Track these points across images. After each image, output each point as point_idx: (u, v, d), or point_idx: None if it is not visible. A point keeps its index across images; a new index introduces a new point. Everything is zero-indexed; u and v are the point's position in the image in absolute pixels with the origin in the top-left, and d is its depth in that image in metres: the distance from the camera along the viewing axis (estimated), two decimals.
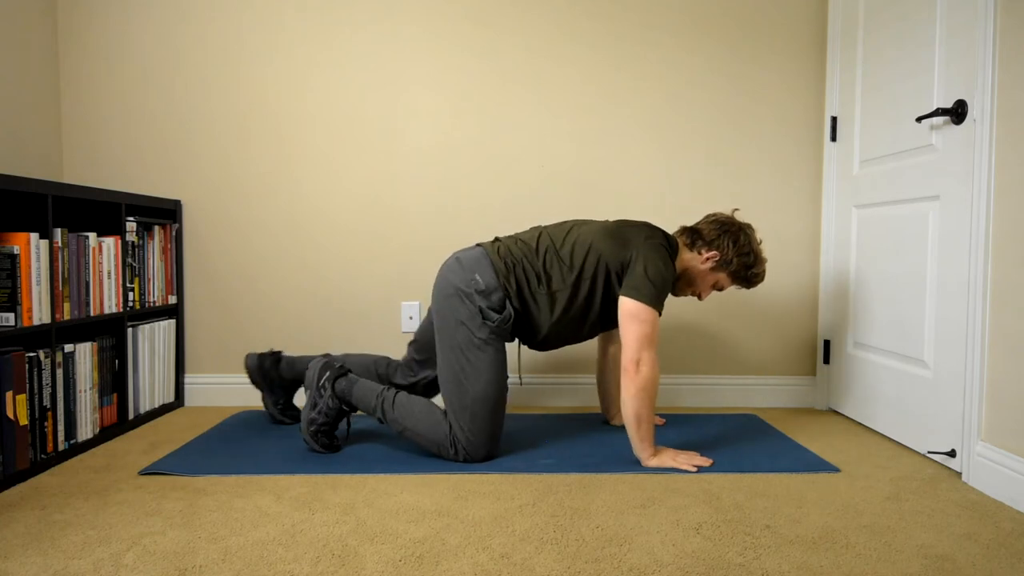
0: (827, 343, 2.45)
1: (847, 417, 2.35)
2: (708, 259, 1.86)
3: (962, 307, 1.73)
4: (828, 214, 2.43)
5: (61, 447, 1.83)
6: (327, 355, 2.00)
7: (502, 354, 1.81)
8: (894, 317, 2.04)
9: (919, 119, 1.84)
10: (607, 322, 1.90)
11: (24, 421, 1.67)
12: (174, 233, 2.41)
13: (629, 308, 1.73)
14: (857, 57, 2.26)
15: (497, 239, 1.91)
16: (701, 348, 2.52)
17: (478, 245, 1.89)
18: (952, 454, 1.77)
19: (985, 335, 1.64)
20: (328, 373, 1.88)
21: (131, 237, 2.16)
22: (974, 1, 1.70)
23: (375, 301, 2.48)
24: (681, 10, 2.45)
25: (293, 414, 2.21)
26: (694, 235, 1.89)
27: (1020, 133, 1.54)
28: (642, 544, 1.33)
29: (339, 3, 2.43)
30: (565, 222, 1.93)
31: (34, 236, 1.71)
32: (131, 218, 2.17)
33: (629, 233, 1.82)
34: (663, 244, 1.81)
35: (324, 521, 1.43)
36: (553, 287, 1.82)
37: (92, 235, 1.96)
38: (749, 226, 1.89)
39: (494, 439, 1.81)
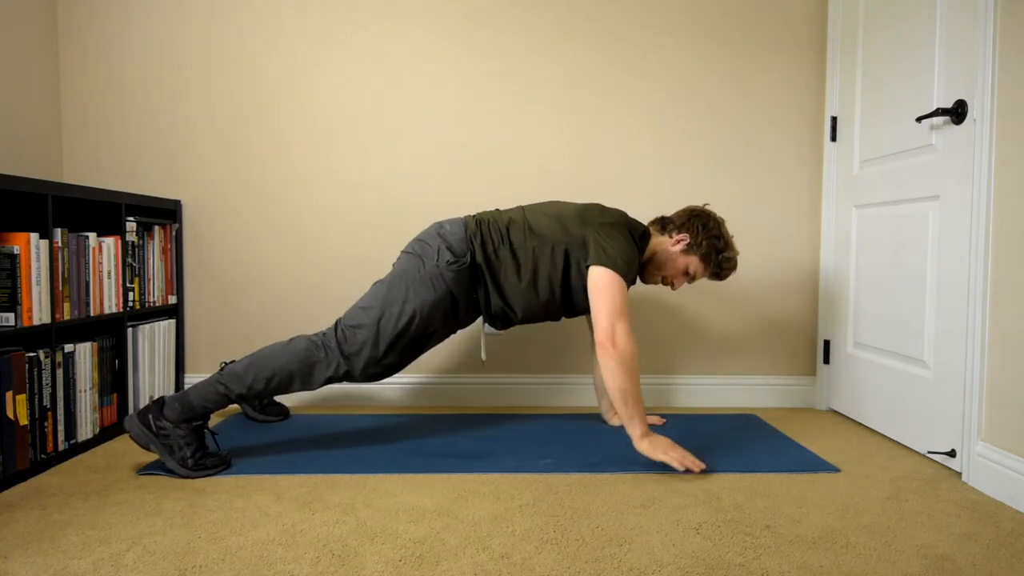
0: (827, 343, 2.45)
1: (847, 417, 2.35)
2: (678, 241, 1.90)
3: (962, 307, 1.73)
4: (828, 214, 2.43)
5: (61, 447, 1.83)
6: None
7: (436, 306, 1.80)
8: (894, 317, 2.04)
9: (919, 119, 1.84)
10: (571, 305, 1.91)
11: (24, 421, 1.67)
12: (174, 233, 2.41)
13: (594, 280, 1.74)
14: (857, 57, 2.26)
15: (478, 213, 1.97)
16: (701, 348, 2.52)
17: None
18: (952, 454, 1.77)
19: (985, 335, 1.64)
20: (149, 416, 1.69)
21: (131, 237, 2.16)
22: (974, 1, 1.70)
23: None
24: (681, 10, 2.45)
25: (277, 410, 2.22)
26: (665, 220, 1.95)
27: (1020, 133, 1.54)
28: (642, 544, 1.33)
29: (339, 3, 2.43)
30: (545, 201, 1.99)
31: (34, 236, 1.71)
32: (131, 218, 2.17)
33: (592, 216, 1.85)
34: (624, 225, 1.84)
35: (324, 521, 1.43)
36: (514, 246, 1.84)
37: (92, 235, 1.96)
38: (719, 216, 1.93)
39: (379, 361, 1.78)
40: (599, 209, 1.89)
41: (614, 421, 2.20)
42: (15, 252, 1.66)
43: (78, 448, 1.90)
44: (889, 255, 2.07)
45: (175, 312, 2.43)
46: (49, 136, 2.38)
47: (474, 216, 1.91)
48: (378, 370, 1.81)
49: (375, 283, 1.87)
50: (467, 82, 2.45)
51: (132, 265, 2.17)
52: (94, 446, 1.96)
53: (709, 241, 1.88)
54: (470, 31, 2.44)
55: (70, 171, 2.44)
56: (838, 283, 2.38)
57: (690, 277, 1.95)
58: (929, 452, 1.83)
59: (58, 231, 1.81)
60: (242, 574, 1.20)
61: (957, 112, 1.74)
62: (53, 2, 2.40)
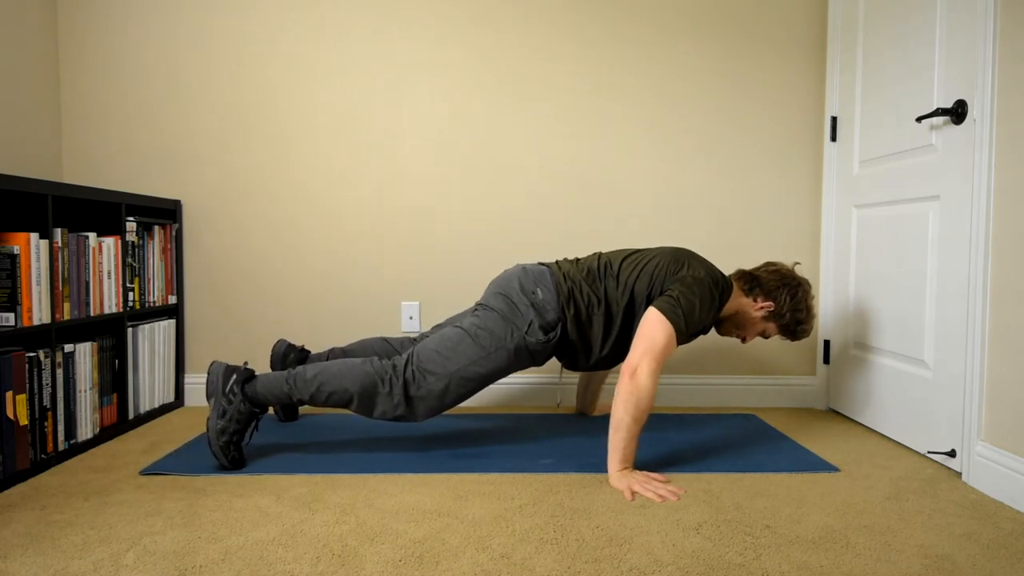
0: (827, 343, 2.45)
1: (847, 417, 2.35)
2: (762, 308, 1.87)
3: (962, 307, 1.73)
4: (828, 214, 2.43)
5: (61, 447, 1.83)
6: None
7: (511, 367, 1.82)
8: (894, 317, 2.04)
9: (919, 119, 1.84)
10: None
11: (24, 421, 1.67)
12: (174, 233, 2.41)
13: (649, 317, 1.71)
14: (857, 57, 2.26)
15: (558, 261, 1.94)
16: (701, 348, 2.51)
17: (542, 264, 1.92)
18: (952, 454, 1.77)
19: (985, 335, 1.64)
20: (235, 376, 1.76)
21: (131, 237, 2.16)
22: (974, 1, 1.70)
23: (375, 301, 2.48)
24: (681, 11, 2.45)
25: (287, 413, 2.22)
26: (753, 282, 1.89)
27: (1020, 133, 1.54)
28: (642, 544, 1.33)
29: (340, 3, 2.44)
30: (624, 249, 1.97)
31: (34, 236, 1.71)
32: (131, 218, 2.17)
33: (685, 262, 1.83)
34: (711, 285, 1.79)
35: (324, 521, 1.43)
36: (611, 309, 1.83)
37: (92, 235, 1.96)
38: (807, 282, 1.90)
39: (440, 408, 1.81)
40: (691, 262, 1.83)
41: (590, 411, 2.30)
42: (15, 252, 1.66)
43: (78, 448, 1.90)
44: (889, 255, 2.07)
45: (175, 312, 2.43)
46: (49, 136, 2.38)
47: (564, 275, 1.85)
48: (435, 412, 1.82)
49: (455, 325, 1.84)
50: (468, 82, 2.45)
51: (132, 265, 2.17)
52: (94, 446, 1.96)
53: (793, 314, 1.87)
54: (471, 32, 2.44)
55: (70, 171, 2.44)
56: (838, 283, 2.38)
57: (764, 336, 1.95)
58: (929, 452, 1.83)
59: (58, 231, 1.81)
60: (242, 574, 1.20)
61: (957, 112, 1.74)
62: (53, 2, 2.40)
